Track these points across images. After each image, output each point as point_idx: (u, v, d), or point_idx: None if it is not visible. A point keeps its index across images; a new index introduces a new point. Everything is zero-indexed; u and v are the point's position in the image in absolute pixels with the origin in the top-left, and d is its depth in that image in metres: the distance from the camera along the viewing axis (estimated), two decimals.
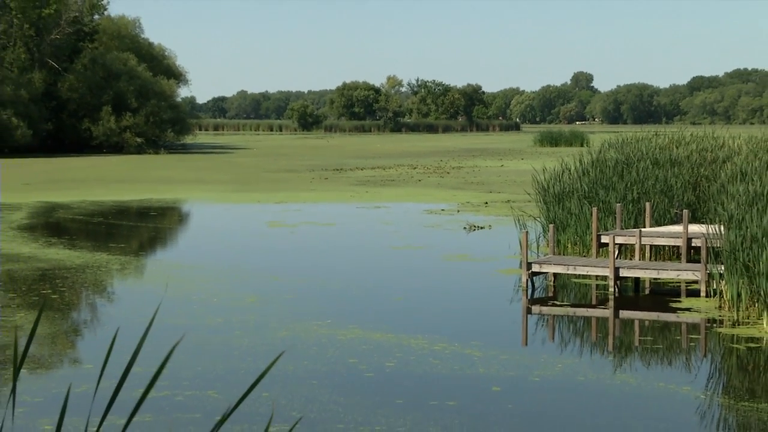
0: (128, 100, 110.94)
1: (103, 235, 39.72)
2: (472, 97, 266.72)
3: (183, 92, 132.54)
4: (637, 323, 23.43)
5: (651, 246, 29.90)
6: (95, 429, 4.42)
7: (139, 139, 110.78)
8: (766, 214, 23.16)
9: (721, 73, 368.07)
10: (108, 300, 26.79)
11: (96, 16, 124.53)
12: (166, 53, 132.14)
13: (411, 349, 19.56)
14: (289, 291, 26.45)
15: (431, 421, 14.96)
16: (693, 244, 28.20)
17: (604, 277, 26.55)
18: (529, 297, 25.74)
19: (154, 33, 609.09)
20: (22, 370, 17.07)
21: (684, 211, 29.17)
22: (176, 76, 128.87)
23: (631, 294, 26.46)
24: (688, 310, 23.86)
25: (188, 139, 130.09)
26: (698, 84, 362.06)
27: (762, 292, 22.36)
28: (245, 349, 19.41)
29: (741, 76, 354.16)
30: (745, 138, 35.08)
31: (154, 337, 4.29)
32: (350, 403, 15.74)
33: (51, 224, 42.38)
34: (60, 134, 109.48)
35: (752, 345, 20.18)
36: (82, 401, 13.21)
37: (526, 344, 21.06)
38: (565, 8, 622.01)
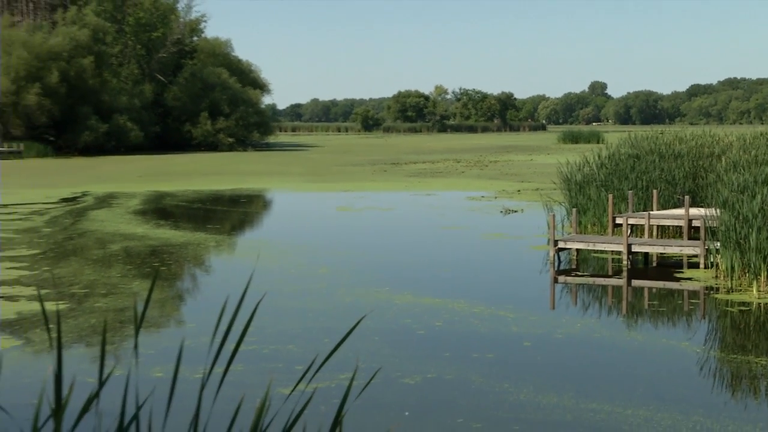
0: (222, 107, 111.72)
1: (202, 218, 40.02)
2: (506, 102, 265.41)
3: (266, 100, 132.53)
4: (646, 290, 23.23)
5: (658, 226, 29.67)
6: (198, 376, 4.44)
7: (230, 139, 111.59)
8: (754, 199, 22.92)
9: (714, 81, 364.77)
10: (205, 271, 26.99)
11: (195, 38, 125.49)
12: (253, 68, 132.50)
13: (455, 311, 19.54)
14: (354, 263, 26.49)
15: (473, 370, 14.93)
16: (693, 225, 27.98)
17: (619, 252, 26.42)
18: (555, 269, 25.61)
19: (242, 51, 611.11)
20: (133, 329, 17.26)
21: (685, 196, 28.90)
22: (261, 86, 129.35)
23: (641, 266, 26.27)
24: (689, 279, 23.66)
25: (270, 139, 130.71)
26: (696, 90, 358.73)
27: (752, 264, 22.19)
28: (318, 311, 19.48)
29: (731, 83, 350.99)
30: (737, 136, 34.60)
31: (243, 301, 4.28)
32: (405, 356, 15.75)
33: (159, 209, 42.75)
34: (166, 135, 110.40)
35: (743, 308, 19.96)
36: (186, 353, 13.27)
37: (554, 308, 20.94)
38: (583, 28, 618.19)
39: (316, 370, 4.37)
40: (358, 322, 4.63)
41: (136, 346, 4.11)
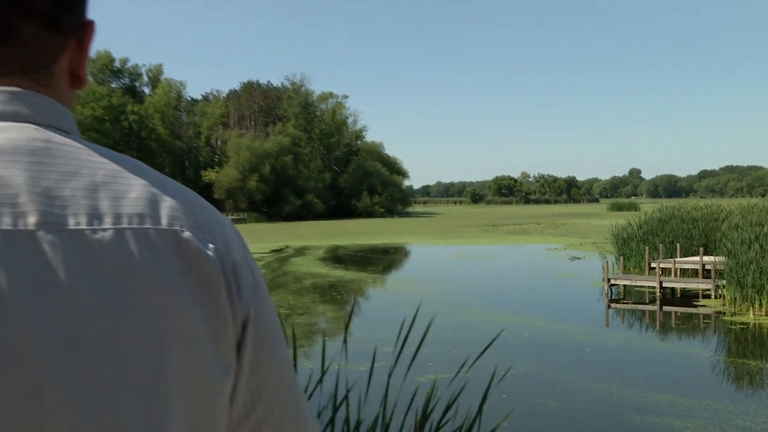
0: (376, 188, 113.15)
1: (363, 262, 40.60)
2: (570, 183, 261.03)
3: (406, 182, 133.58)
4: (673, 313, 22.59)
5: (681, 269, 28.80)
6: (387, 373, 4.77)
7: (382, 209, 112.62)
8: (750, 250, 22.19)
9: (717, 168, 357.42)
10: (366, 299, 27.42)
11: (359, 141, 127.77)
12: (397, 161, 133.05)
13: (536, 327, 19.46)
14: (466, 293, 26.55)
15: (549, 366, 14.91)
16: (706, 268, 27.07)
17: (653, 287, 25.77)
18: (608, 298, 25.15)
19: (390, 148, 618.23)
20: (319, 337, 17.57)
21: (700, 248, 28.08)
22: (402, 173, 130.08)
23: (669, 296, 25.53)
24: (704, 306, 22.93)
25: (409, 209, 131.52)
26: (704, 174, 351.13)
27: (748, 296, 21.48)
28: (441, 325, 19.59)
29: (730, 170, 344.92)
30: (736, 206, 33.36)
31: (392, 318, 4.66)
32: (501, 356, 15.71)
33: (335, 257, 43.60)
34: (339, 207, 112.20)
35: (743, 326, 19.27)
36: (357, 353, 13.64)
37: (607, 325, 20.60)
38: (624, 131, 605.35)
39: (469, 367, 4.69)
40: (496, 337, 4.92)
41: (345, 347, 4.51)
